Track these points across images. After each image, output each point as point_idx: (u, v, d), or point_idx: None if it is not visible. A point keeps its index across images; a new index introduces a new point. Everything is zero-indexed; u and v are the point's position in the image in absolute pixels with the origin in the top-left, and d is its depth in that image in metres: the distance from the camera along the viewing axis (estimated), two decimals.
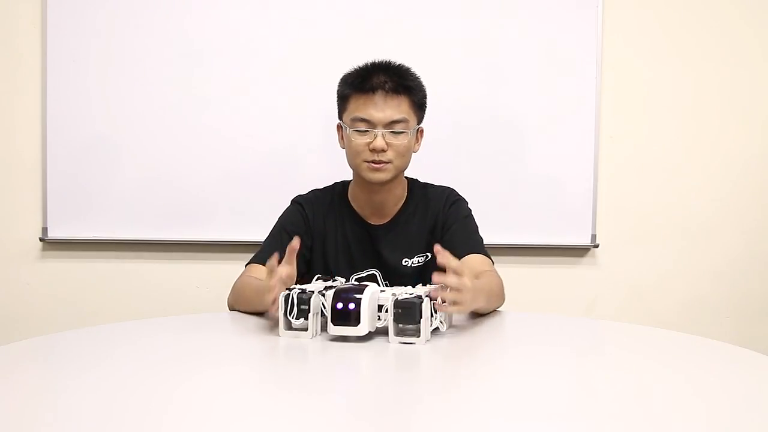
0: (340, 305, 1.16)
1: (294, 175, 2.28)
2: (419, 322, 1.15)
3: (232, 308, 1.52)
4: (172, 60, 2.30)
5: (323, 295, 1.22)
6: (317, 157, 2.31)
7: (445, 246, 1.56)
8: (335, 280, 1.34)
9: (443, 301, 1.20)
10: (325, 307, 1.21)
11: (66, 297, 2.36)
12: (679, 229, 2.48)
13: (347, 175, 1.71)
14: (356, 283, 1.27)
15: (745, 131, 2.47)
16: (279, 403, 0.91)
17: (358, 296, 1.16)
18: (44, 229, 2.32)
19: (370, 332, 1.17)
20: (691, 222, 2.48)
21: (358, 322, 1.15)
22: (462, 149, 2.34)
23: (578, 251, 2.46)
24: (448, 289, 1.19)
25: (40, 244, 2.35)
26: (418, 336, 1.16)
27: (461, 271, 1.22)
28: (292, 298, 1.19)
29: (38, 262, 2.36)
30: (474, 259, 1.55)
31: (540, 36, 2.35)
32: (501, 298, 1.50)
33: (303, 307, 1.19)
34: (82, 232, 2.32)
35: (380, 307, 1.19)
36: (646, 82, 2.44)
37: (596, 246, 2.43)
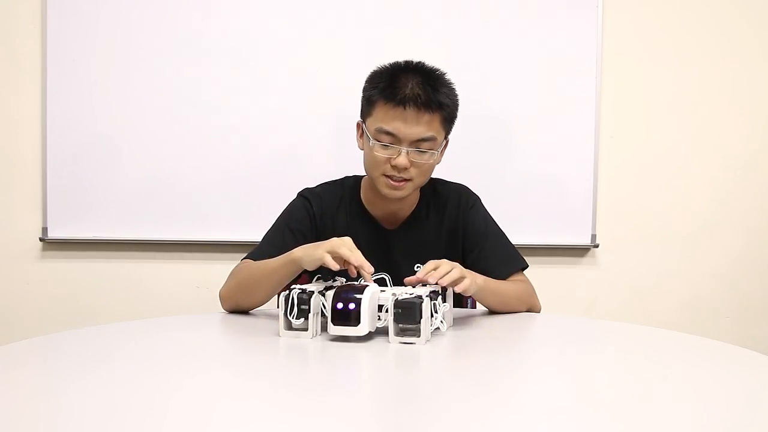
0: (340, 305, 1.15)
1: (295, 175, 2.28)
2: (419, 322, 1.15)
3: (227, 298, 1.45)
4: (172, 60, 2.30)
5: (323, 295, 1.22)
6: (318, 157, 2.31)
7: (480, 265, 1.52)
8: (335, 280, 1.34)
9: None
10: (325, 307, 1.20)
11: (66, 297, 2.36)
12: (679, 229, 2.48)
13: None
14: (356, 282, 1.26)
15: (746, 131, 2.47)
16: (280, 404, 0.90)
17: (358, 296, 1.16)
18: (44, 229, 2.32)
19: (370, 332, 1.17)
20: (691, 222, 2.48)
21: (359, 322, 1.15)
22: (461, 149, 2.33)
23: (578, 251, 2.46)
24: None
25: (40, 244, 2.35)
26: (419, 336, 1.16)
27: (434, 265, 1.27)
28: (293, 297, 1.19)
29: (38, 262, 2.36)
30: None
31: (540, 36, 2.36)
32: (521, 301, 1.50)
33: (303, 307, 1.19)
34: (82, 232, 2.32)
35: (380, 307, 1.19)
36: (646, 82, 2.44)
37: (596, 246, 2.43)
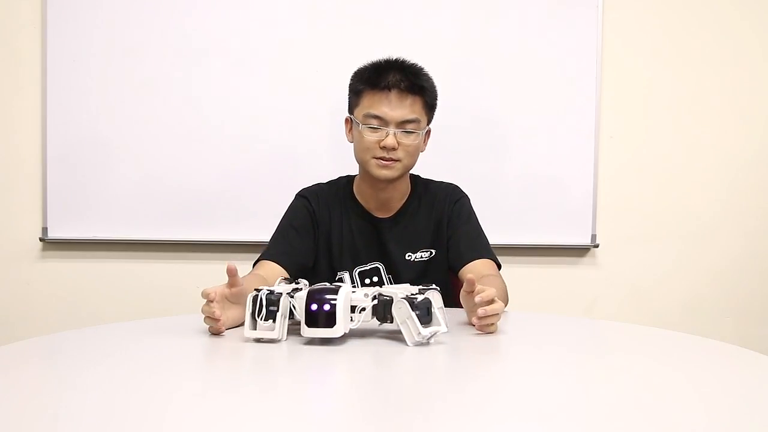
0: (314, 306, 1.13)
1: (294, 175, 2.28)
2: (431, 318, 1.15)
3: None
4: (172, 59, 2.30)
5: (292, 296, 1.19)
6: (318, 157, 2.31)
7: (451, 250, 1.63)
8: (298, 283, 1.30)
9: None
10: (296, 309, 1.18)
11: (66, 297, 2.36)
12: (679, 229, 2.48)
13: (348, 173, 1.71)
14: (328, 284, 1.22)
15: (745, 131, 2.47)
16: (282, 404, 0.91)
17: (332, 297, 1.13)
18: (44, 229, 2.32)
19: (344, 333, 1.15)
20: (691, 222, 2.48)
21: (334, 324, 1.12)
22: (462, 149, 2.34)
23: (578, 251, 2.46)
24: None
25: (40, 244, 2.35)
26: (427, 335, 1.15)
27: (492, 296, 1.25)
28: (261, 299, 1.16)
29: (38, 262, 2.36)
30: (478, 265, 1.59)
31: (540, 36, 2.36)
32: (504, 302, 1.50)
33: (272, 308, 1.16)
34: (82, 232, 2.32)
35: (353, 308, 1.16)
36: (646, 82, 2.44)
37: (596, 246, 2.43)
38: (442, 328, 1.16)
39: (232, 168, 2.32)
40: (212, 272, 2.35)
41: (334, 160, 2.26)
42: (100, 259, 2.36)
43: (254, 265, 1.57)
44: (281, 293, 1.18)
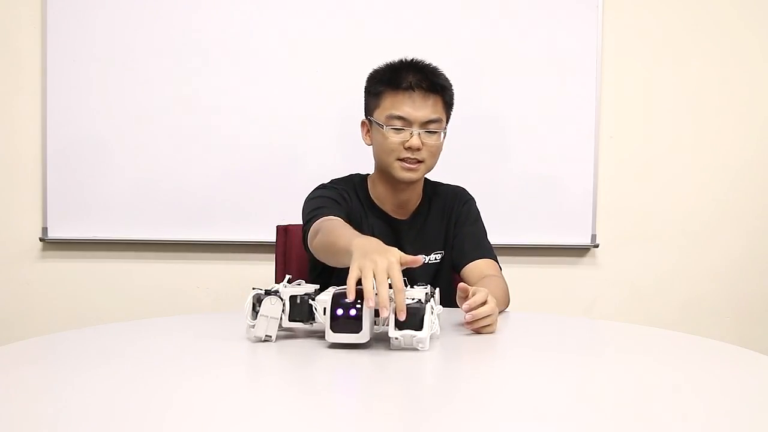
0: (340, 311, 1.11)
1: (294, 176, 2.29)
2: (422, 328, 1.13)
3: (315, 254, 1.42)
4: (172, 60, 2.30)
5: (313, 299, 1.18)
6: (318, 157, 2.31)
7: (455, 249, 1.64)
8: (299, 284, 1.27)
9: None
10: (316, 311, 1.17)
11: (66, 297, 2.36)
12: (679, 229, 2.48)
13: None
14: (343, 287, 1.17)
15: (745, 131, 2.47)
16: (281, 407, 0.91)
17: (358, 302, 1.11)
18: (44, 229, 2.32)
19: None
20: (691, 222, 2.48)
21: (360, 329, 1.10)
22: (461, 149, 2.34)
23: (578, 251, 2.46)
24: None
25: (40, 244, 2.35)
26: (422, 343, 1.13)
27: (485, 298, 1.25)
28: (252, 298, 1.16)
29: (38, 262, 2.36)
30: (481, 264, 1.60)
31: (540, 36, 2.36)
32: (505, 303, 1.52)
33: (258, 308, 1.15)
34: (82, 232, 2.32)
35: (377, 312, 1.14)
36: (646, 82, 2.44)
37: (596, 246, 2.43)
38: (421, 334, 1.11)
39: (232, 168, 2.32)
40: (212, 272, 2.37)
41: (334, 160, 2.26)
42: (100, 259, 2.36)
43: (316, 222, 1.43)
44: (276, 292, 1.16)
